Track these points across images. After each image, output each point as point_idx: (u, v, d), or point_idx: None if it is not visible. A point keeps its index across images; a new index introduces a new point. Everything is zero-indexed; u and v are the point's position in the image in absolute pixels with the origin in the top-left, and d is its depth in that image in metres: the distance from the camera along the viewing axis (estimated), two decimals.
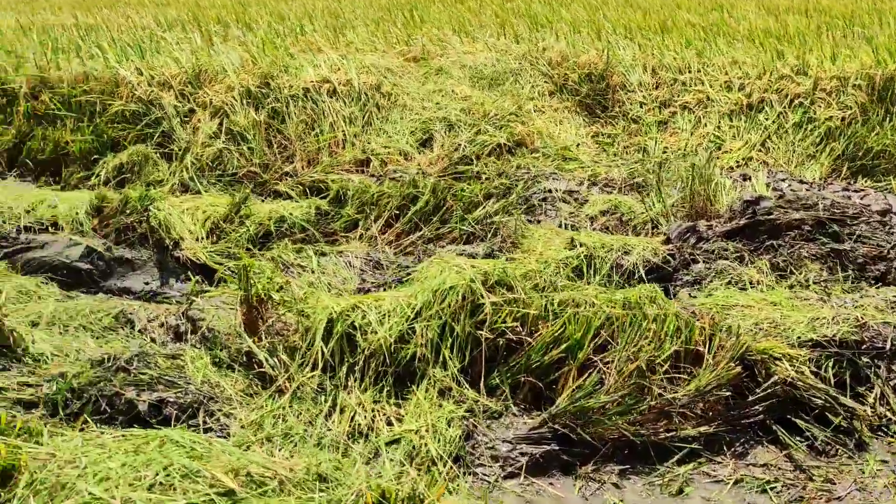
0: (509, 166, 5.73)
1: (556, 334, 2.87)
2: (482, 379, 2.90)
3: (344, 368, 2.94)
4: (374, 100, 6.28)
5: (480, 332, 2.91)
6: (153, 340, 3.45)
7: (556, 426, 2.71)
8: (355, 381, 2.91)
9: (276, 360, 3.02)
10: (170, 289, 4.50)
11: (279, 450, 2.69)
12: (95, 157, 6.07)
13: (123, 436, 2.18)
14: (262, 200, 5.67)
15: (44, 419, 2.81)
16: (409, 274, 3.73)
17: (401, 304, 2.96)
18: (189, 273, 4.52)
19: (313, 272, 4.13)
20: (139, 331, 3.50)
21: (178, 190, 5.67)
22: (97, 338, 3.46)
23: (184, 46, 6.89)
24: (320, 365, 2.93)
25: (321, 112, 6.18)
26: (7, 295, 3.75)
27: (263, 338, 3.21)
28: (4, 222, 4.99)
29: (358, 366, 2.93)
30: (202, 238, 4.61)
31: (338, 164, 5.85)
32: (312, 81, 6.30)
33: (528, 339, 2.90)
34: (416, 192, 4.58)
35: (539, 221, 4.78)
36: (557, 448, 2.70)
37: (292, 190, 5.70)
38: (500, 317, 2.92)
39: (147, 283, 4.56)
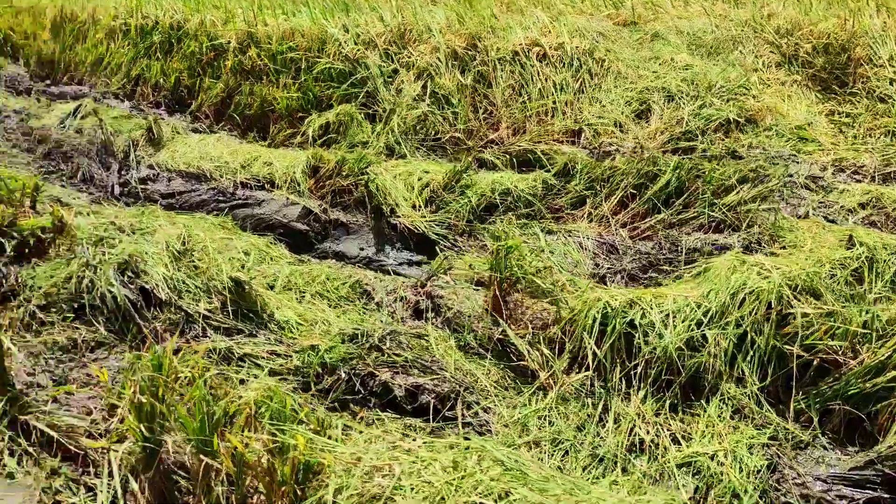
0: (738, 145, 5.16)
1: (883, 358, 2.40)
2: (785, 402, 2.48)
3: (617, 371, 2.60)
4: (586, 66, 5.84)
5: (787, 346, 2.49)
6: (391, 315, 3.26)
7: (886, 469, 2.26)
8: (632, 387, 2.56)
9: (537, 352, 2.72)
10: (385, 256, 4.33)
11: (549, 457, 2.41)
12: (301, 114, 6.01)
13: (431, 443, 1.94)
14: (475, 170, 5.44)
15: (296, 392, 2.67)
16: (681, 268, 3.32)
17: (690, 305, 2.58)
18: (406, 241, 4.34)
19: (542, 252, 3.81)
20: (376, 304, 3.31)
21: (383, 153, 5.50)
22: (333, 307, 3.31)
23: (388, 4, 6.70)
24: (591, 365, 2.61)
25: (529, 77, 5.82)
26: (237, 252, 3.68)
27: (509, 324, 2.94)
28: (222, 176, 5.00)
29: (635, 370, 2.58)
30: (420, 206, 4.40)
31: (547, 133, 5.49)
32: (521, 44, 5.94)
33: (846, 360, 2.45)
34: (656, 171, 4.15)
35: (776, 210, 4.24)
36: (887, 496, 2.25)
37: (497, 159, 5.40)
38: (811, 331, 2.48)
39: (362, 249, 4.42)
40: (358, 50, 6.03)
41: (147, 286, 3.20)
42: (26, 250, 3.80)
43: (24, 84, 8.12)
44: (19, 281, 3.60)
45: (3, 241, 3.83)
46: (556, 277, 2.89)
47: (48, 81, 8.07)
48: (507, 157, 5.39)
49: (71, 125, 6.34)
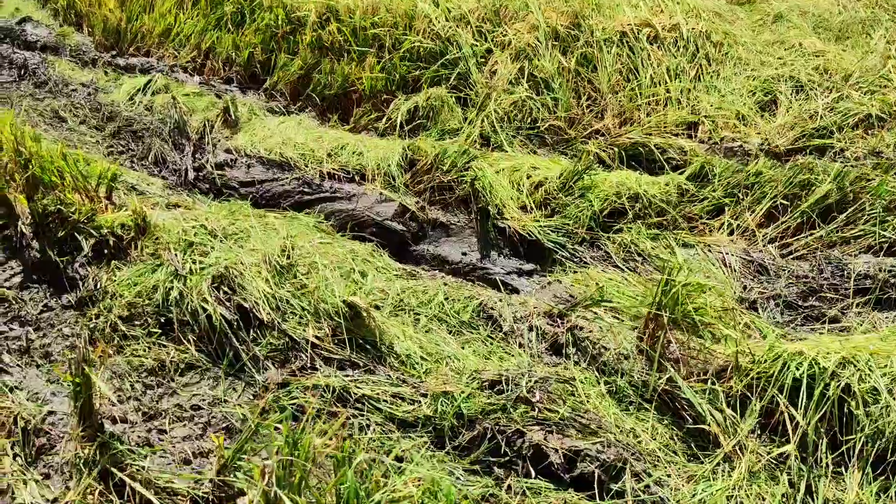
0: (883, 144, 4.57)
1: None
2: None
3: (824, 444, 2.12)
4: (703, 50, 5.26)
5: None
6: (522, 347, 2.81)
7: None
8: (845, 466, 2.08)
9: (717, 411, 2.25)
10: (491, 263, 3.88)
11: None
12: (386, 97, 5.55)
13: None
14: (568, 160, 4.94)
15: (428, 449, 2.25)
16: (851, 298, 2.80)
17: None
18: (516, 247, 3.88)
19: (681, 270, 3.31)
20: (505, 333, 2.87)
21: (477, 142, 5.02)
22: (454, 333, 2.87)
23: None
24: (794, 438, 2.12)
25: (639, 61, 5.26)
26: (339, 262, 3.26)
27: (669, 367, 2.47)
28: (307, 165, 4.59)
29: (850, 446, 2.09)
30: (532, 208, 3.93)
31: (660, 125, 4.95)
32: (630, 24, 5.38)
33: None
34: (812, 179, 3.60)
35: None
36: None
37: (604, 151, 4.89)
38: None
39: (465, 254, 3.98)
40: (449, 27, 5.52)
41: (245, 304, 2.80)
42: (105, 251, 3.42)
43: (89, 54, 7.79)
44: (99, 285, 3.23)
45: (80, 238, 3.46)
46: (733, 316, 2.39)
47: (114, 52, 7.73)
48: (615, 149, 4.88)
49: (141, 101, 5.98)
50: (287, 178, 4.60)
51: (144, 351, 2.92)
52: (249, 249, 3.05)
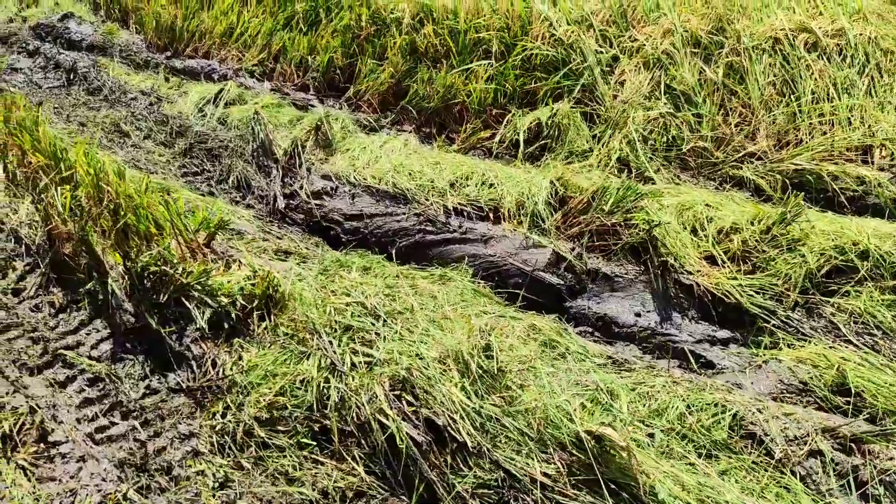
0: None
1: None
2: None
3: None
4: (873, 59, 4.52)
5: None
6: (801, 479, 2.12)
7: None
8: None
9: None
10: (675, 329, 3.19)
11: None
12: (497, 111, 4.85)
13: None
14: (717, 187, 4.24)
15: None
16: None
17: None
18: (705, 308, 3.18)
19: None
20: (778, 462, 2.17)
21: (614, 167, 4.32)
22: (704, 455, 2.18)
23: None
24: None
25: (796, 72, 4.53)
26: (492, 330, 2.58)
27: None
28: (427, 198, 3.90)
29: None
30: (723, 261, 3.23)
31: (828, 148, 4.22)
32: (784, 29, 4.64)
33: None
34: None
35: None
36: None
37: (762, 178, 4.19)
38: None
39: (638, 315, 3.28)
40: (571, 31, 4.80)
41: (437, 419, 2.12)
42: (223, 323, 2.75)
43: (141, 55, 7.12)
44: (221, 371, 2.55)
45: (189, 305, 2.79)
46: None
47: (168, 53, 7.05)
48: (776, 177, 4.18)
49: (213, 114, 5.30)
50: (404, 212, 3.92)
51: (294, 468, 2.25)
52: (420, 334, 2.37)
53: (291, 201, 4.36)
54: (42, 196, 3.61)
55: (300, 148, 4.53)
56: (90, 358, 2.99)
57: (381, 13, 5.60)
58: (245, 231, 3.79)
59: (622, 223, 3.44)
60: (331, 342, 2.34)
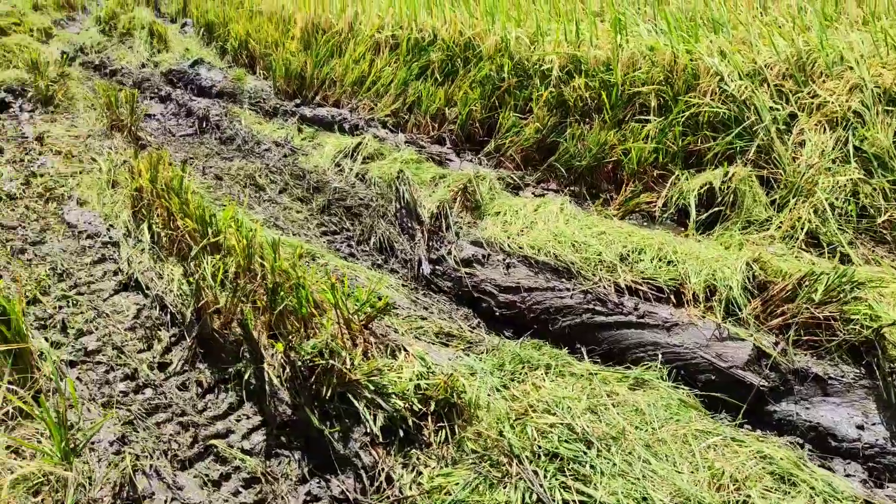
0: None
1: None
2: None
3: None
4: None
5: None
6: None
7: None
8: None
9: None
10: None
11: None
12: (658, 172, 4.44)
13: None
14: None
15: None
16: None
17: None
18: None
19: None
20: None
21: (800, 240, 3.83)
22: None
23: (776, 25, 4.97)
24: None
25: None
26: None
27: None
28: (594, 273, 3.51)
29: None
30: None
31: None
32: None
33: None
34: None
35: None
36: None
37: None
38: None
39: (861, 428, 2.78)
40: (743, 86, 4.36)
41: None
42: (397, 429, 2.43)
43: (269, 102, 7.08)
44: (399, 489, 2.22)
45: (357, 404, 2.48)
46: None
47: (297, 100, 6.98)
48: None
49: (351, 169, 5.10)
50: (568, 288, 3.54)
51: None
52: (641, 467, 1.97)
53: (438, 267, 4.06)
54: (190, 264, 3.43)
55: (446, 210, 4.24)
56: (243, 451, 2.73)
57: (524, 64, 5.31)
58: (397, 304, 3.49)
59: (836, 317, 2.95)
60: (535, 472, 1.97)
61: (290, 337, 2.76)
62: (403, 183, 4.41)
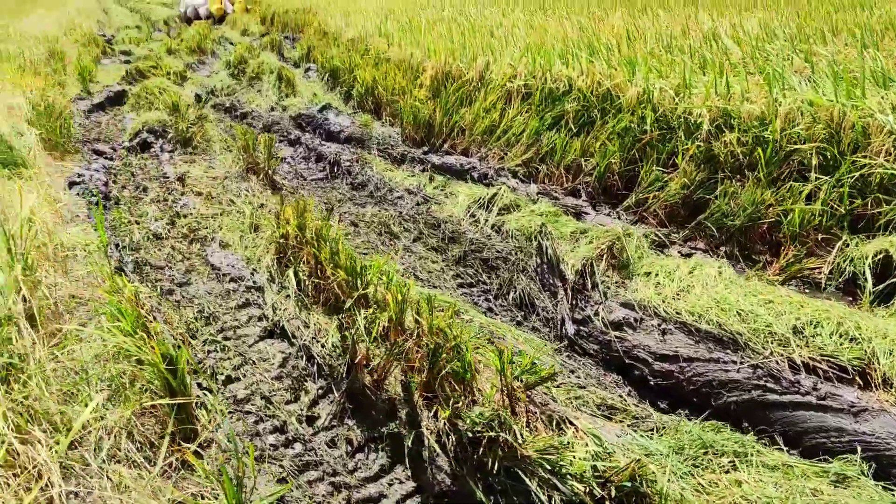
0: None
1: None
2: None
3: None
4: None
5: None
6: None
7: None
8: None
9: None
10: None
11: None
12: (822, 236, 4.13)
13: None
14: None
15: None
16: None
17: None
18: None
19: None
20: None
21: None
22: None
23: None
24: None
25: None
26: None
27: None
28: (764, 346, 3.23)
29: None
30: None
31: None
32: None
33: None
34: None
35: None
36: None
37: None
38: None
39: None
40: None
41: None
42: None
43: (397, 148, 7.13)
44: None
45: (529, 482, 2.31)
46: None
47: (425, 147, 6.99)
48: None
49: (486, 220, 5.01)
50: (733, 361, 3.29)
51: None
52: None
53: (583, 328, 3.88)
54: (342, 316, 3.38)
55: (592, 268, 4.06)
56: None
57: (667, 117, 5.11)
58: (548, 365, 3.32)
59: None
60: None
61: (453, 402, 2.63)
62: (546, 238, 4.27)
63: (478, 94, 6.74)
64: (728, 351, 3.37)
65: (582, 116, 5.76)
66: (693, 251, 4.52)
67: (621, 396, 3.10)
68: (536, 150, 5.85)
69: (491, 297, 4.32)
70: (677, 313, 3.61)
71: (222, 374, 3.43)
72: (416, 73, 7.88)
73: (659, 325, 3.65)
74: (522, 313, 4.16)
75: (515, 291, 4.24)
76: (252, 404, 3.22)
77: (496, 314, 4.14)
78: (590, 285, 4.04)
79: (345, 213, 5.54)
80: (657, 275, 3.94)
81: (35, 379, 2.71)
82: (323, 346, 3.47)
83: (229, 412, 3.14)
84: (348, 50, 11.12)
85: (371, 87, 8.66)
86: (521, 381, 2.75)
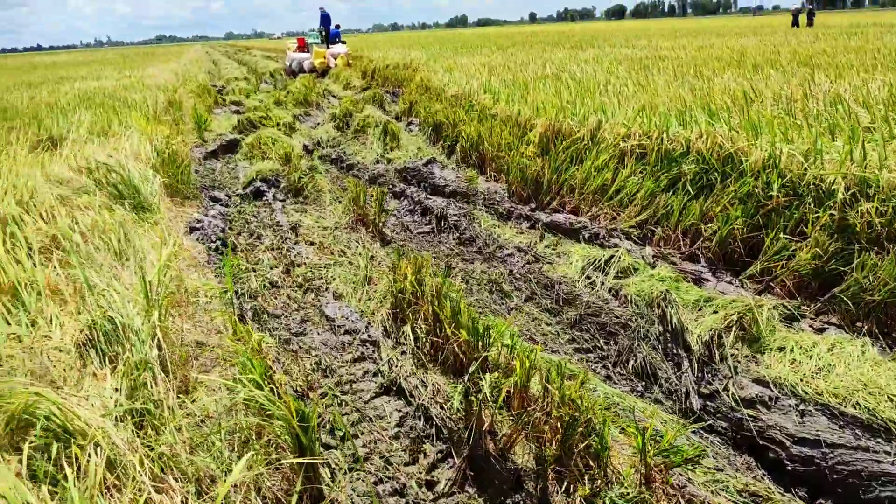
0: None
1: None
2: None
3: None
4: None
5: None
6: None
7: None
8: None
9: None
10: None
11: None
12: None
13: None
14: None
15: None
16: None
17: None
18: None
19: None
20: None
21: None
22: None
23: None
24: None
25: None
26: None
27: None
28: None
29: None
30: None
31: None
32: None
33: None
34: None
35: None
36: None
37: None
38: None
39: None
40: None
41: None
42: None
43: (503, 204, 7.11)
44: None
45: None
46: None
47: (532, 205, 6.94)
48: None
49: (603, 283, 4.88)
50: (887, 451, 3.02)
51: None
52: None
53: (710, 403, 3.67)
54: (464, 379, 3.31)
55: (720, 340, 3.87)
56: None
57: (794, 182, 4.89)
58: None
59: None
60: None
61: (590, 479, 2.50)
62: (670, 305, 4.11)
63: (589, 152, 6.67)
64: (879, 440, 3.11)
65: (700, 179, 5.60)
66: (826, 326, 4.26)
67: (767, 485, 2.88)
68: (653, 212, 5.70)
69: (609, 364, 4.17)
70: (818, 394, 3.37)
71: (340, 430, 3.40)
72: (523, 130, 7.89)
73: (797, 405, 3.41)
74: (643, 383, 3.99)
75: (636, 360, 4.08)
76: (371, 464, 3.17)
77: (615, 383, 3.98)
78: (717, 358, 3.84)
79: (455, 269, 5.51)
80: (792, 350, 3.71)
81: (169, 427, 2.74)
82: (442, 407, 3.40)
83: (349, 469, 3.10)
84: (451, 105, 11.29)
85: (476, 142, 8.72)
86: (661, 460, 2.60)
